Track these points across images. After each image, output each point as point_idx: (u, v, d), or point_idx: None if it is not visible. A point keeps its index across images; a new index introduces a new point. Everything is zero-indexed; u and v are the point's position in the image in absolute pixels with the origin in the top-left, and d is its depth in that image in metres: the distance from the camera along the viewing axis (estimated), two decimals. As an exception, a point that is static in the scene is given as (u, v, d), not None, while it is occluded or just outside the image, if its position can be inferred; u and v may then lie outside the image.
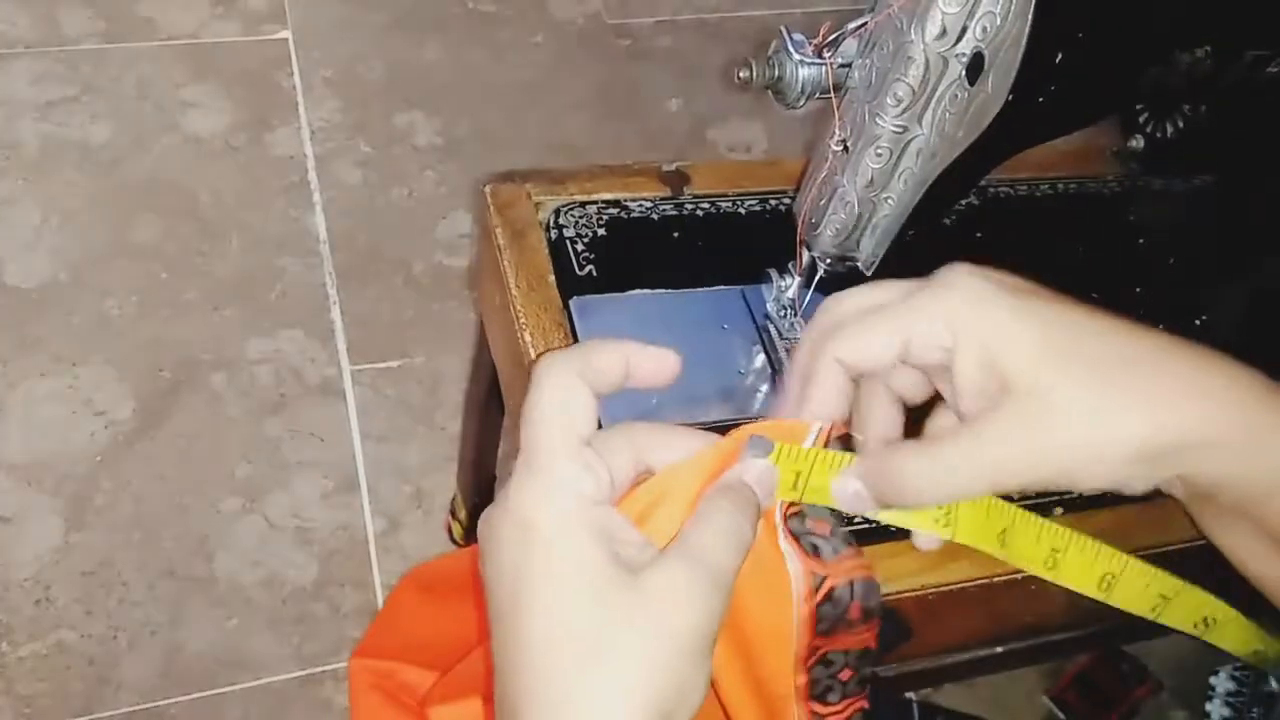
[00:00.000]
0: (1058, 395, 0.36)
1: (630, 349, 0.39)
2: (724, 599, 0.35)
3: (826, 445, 0.40)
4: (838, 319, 0.40)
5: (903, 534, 0.58)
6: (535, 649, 0.34)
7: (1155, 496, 0.63)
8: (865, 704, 0.43)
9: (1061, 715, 1.18)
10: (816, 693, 0.41)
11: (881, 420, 0.42)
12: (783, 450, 0.39)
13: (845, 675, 0.42)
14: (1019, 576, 0.59)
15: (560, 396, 0.37)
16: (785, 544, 0.39)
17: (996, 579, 0.58)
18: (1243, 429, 0.37)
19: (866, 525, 0.57)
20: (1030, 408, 0.36)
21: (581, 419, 0.37)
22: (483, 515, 0.37)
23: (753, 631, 0.39)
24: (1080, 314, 0.38)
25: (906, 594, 0.56)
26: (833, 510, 0.40)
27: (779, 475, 0.39)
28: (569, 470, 0.36)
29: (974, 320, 0.37)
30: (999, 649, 0.67)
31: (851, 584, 0.39)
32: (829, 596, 0.39)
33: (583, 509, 0.35)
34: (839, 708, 0.42)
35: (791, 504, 0.40)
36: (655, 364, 0.39)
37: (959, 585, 0.58)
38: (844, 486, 0.39)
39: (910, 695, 1.02)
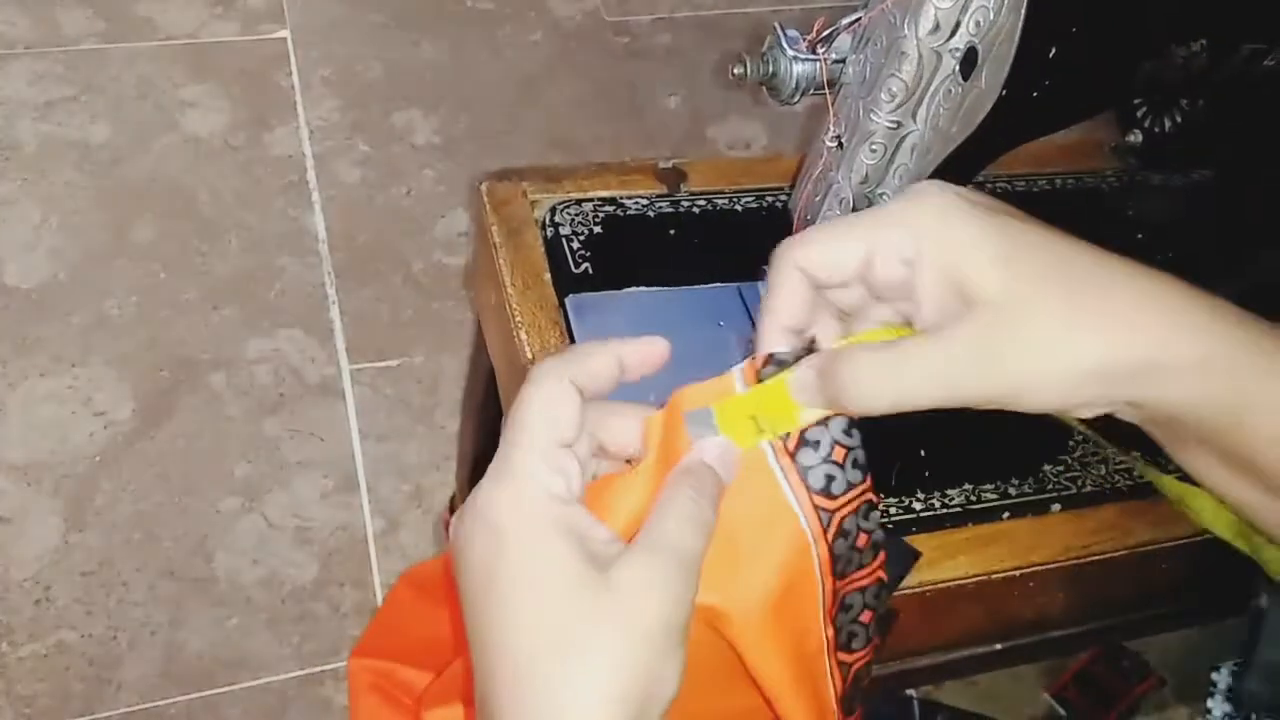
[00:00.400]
0: (1018, 308, 0.35)
1: (619, 347, 0.39)
2: (691, 584, 0.35)
3: (759, 377, 0.39)
4: (804, 234, 0.40)
5: (901, 532, 0.58)
6: (508, 647, 0.34)
7: (1154, 492, 0.62)
8: (878, 640, 0.43)
9: (1062, 712, 1.18)
10: (841, 642, 0.41)
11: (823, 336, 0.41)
12: (725, 409, 0.39)
13: (865, 617, 0.41)
14: (1017, 574, 0.59)
15: (549, 402, 0.37)
16: (789, 493, 0.38)
17: (995, 576, 0.58)
18: (1199, 355, 0.36)
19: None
20: (990, 319, 0.36)
21: (566, 423, 0.37)
22: (455, 515, 0.37)
23: (782, 594, 0.39)
24: (1046, 232, 0.37)
25: (906, 592, 0.56)
26: (847, 431, 0.39)
27: (735, 432, 0.38)
28: (541, 471, 0.36)
29: (939, 231, 0.37)
30: (999, 646, 0.66)
31: (856, 512, 0.39)
32: (840, 530, 0.39)
33: (552, 508, 0.35)
34: (863, 653, 0.42)
35: (801, 435, 0.39)
36: (644, 354, 0.40)
37: (957, 582, 0.58)
38: (802, 377, 0.38)
39: (911, 692, 1.02)
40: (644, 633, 0.33)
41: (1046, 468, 0.62)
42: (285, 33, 1.72)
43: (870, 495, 0.39)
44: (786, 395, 0.39)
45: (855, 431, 0.39)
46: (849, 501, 0.39)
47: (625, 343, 0.40)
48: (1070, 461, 0.62)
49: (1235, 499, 0.40)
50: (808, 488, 0.38)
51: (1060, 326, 0.35)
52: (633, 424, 0.40)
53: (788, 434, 0.39)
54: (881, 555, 0.41)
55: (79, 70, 1.61)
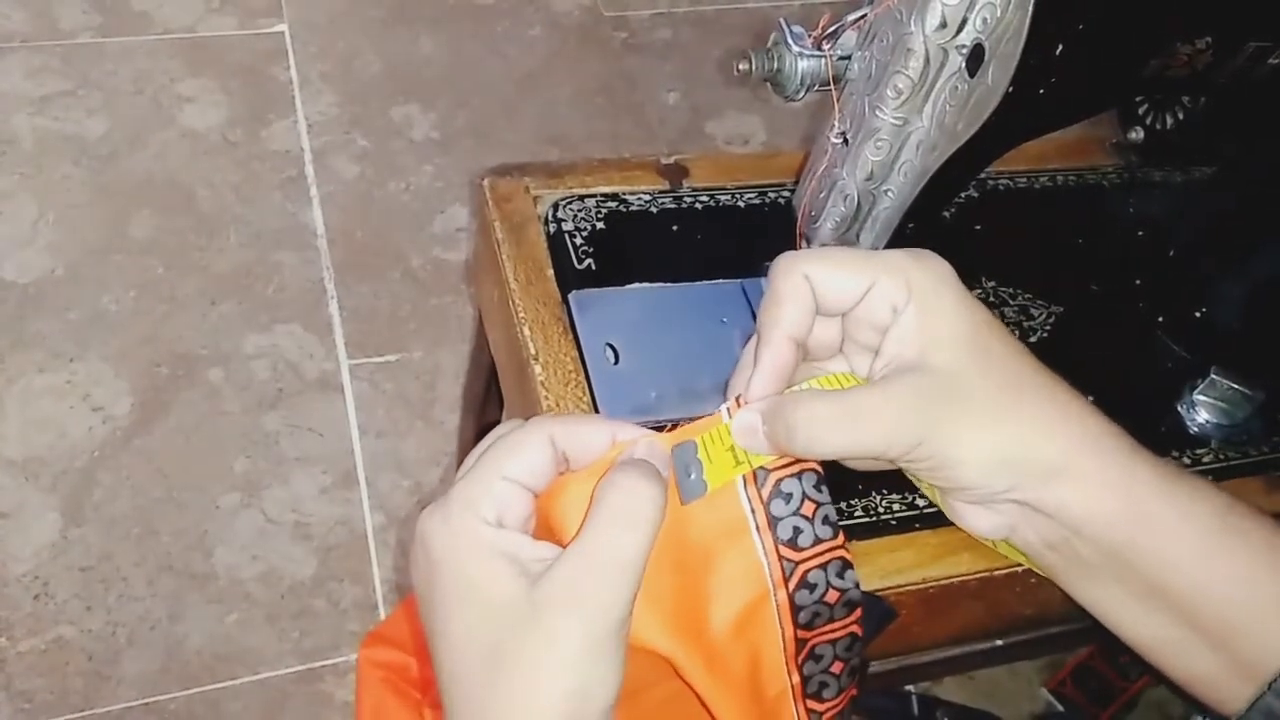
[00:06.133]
0: (962, 385, 0.39)
1: (616, 426, 0.40)
2: (624, 584, 0.35)
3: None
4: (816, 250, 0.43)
5: (904, 529, 0.58)
6: (445, 665, 0.36)
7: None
8: (855, 690, 0.43)
9: (1060, 708, 1.19)
10: (811, 690, 0.41)
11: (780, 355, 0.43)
12: (707, 440, 0.40)
13: (837, 668, 0.42)
14: (1019, 570, 0.59)
15: (516, 445, 0.38)
16: (757, 538, 0.39)
17: (998, 572, 0.58)
18: (1102, 470, 0.39)
19: (869, 519, 0.57)
20: (936, 383, 0.39)
21: (520, 467, 0.38)
22: None
23: (738, 636, 0.39)
24: (1009, 337, 0.42)
25: (908, 588, 0.56)
26: (817, 486, 0.40)
27: (719, 464, 0.40)
28: (475, 498, 0.37)
29: (933, 292, 0.40)
30: (999, 642, 0.66)
31: (824, 567, 0.40)
32: (804, 582, 0.39)
33: (480, 532, 0.36)
34: (836, 702, 0.42)
35: (776, 484, 0.40)
36: (645, 446, 0.40)
37: (960, 579, 0.57)
38: (743, 419, 0.40)
39: (910, 688, 1.03)
40: (567, 644, 0.34)
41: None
42: (283, 27, 1.71)
43: (843, 553, 0.40)
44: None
45: (825, 488, 0.41)
46: (816, 555, 0.40)
47: (623, 425, 0.40)
48: (1072, 458, 0.62)
49: (1147, 638, 0.42)
50: (775, 537, 0.39)
51: (990, 414, 0.39)
52: (600, 437, 0.40)
53: (764, 480, 0.40)
54: (858, 612, 0.42)
55: (75, 64, 1.60)
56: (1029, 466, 0.39)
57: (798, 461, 0.40)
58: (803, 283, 0.41)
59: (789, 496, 0.40)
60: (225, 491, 1.24)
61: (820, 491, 0.40)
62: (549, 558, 0.36)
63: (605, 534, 0.36)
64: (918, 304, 0.40)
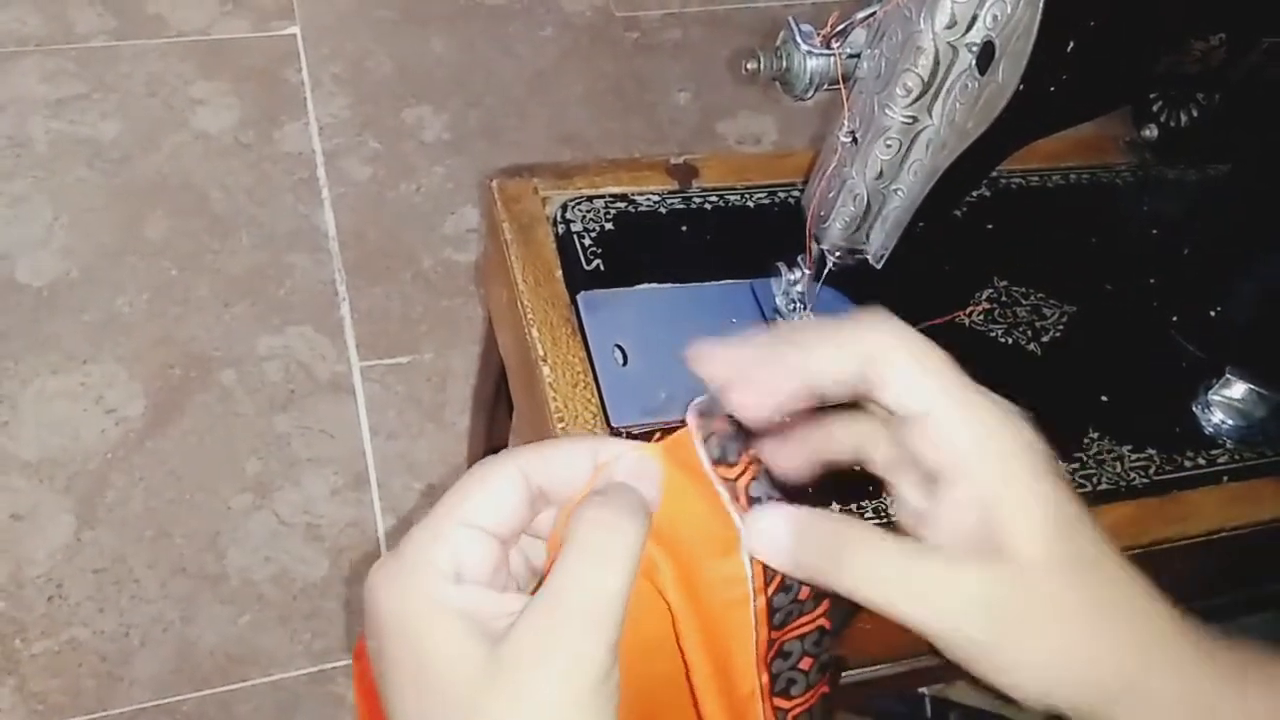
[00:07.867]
0: (1040, 590, 0.33)
1: (597, 443, 0.36)
2: (603, 629, 0.31)
3: (705, 435, 0.38)
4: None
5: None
6: None
7: (1170, 490, 0.62)
8: (826, 689, 0.42)
9: (1075, 710, 1.18)
10: (779, 688, 0.41)
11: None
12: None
13: (805, 664, 0.41)
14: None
15: (476, 481, 0.34)
16: (745, 547, 0.39)
17: (1009, 574, 0.58)
18: (1182, 685, 0.34)
19: (880, 521, 0.57)
20: (1013, 585, 0.33)
21: (480, 509, 0.33)
22: None
23: (714, 632, 0.39)
24: (1086, 514, 0.35)
25: (918, 590, 0.56)
26: (774, 487, 0.39)
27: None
28: (429, 548, 0.32)
29: (1000, 473, 0.33)
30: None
31: None
32: (782, 586, 0.39)
33: (434, 588, 0.32)
34: (803, 699, 0.42)
35: (746, 492, 0.39)
36: (630, 465, 0.35)
37: (971, 581, 0.57)
38: (767, 527, 0.35)
39: (923, 690, 1.02)
40: (536, 706, 0.29)
41: (1061, 465, 0.61)
42: (295, 29, 1.72)
43: None
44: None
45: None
46: None
47: (606, 442, 0.36)
48: (1086, 459, 0.62)
49: None
50: None
51: (1068, 628, 0.33)
52: (579, 462, 0.35)
53: (737, 492, 0.38)
54: (825, 604, 0.40)
55: (90, 68, 1.61)
56: (1096, 687, 0.34)
57: (752, 464, 0.39)
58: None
59: (758, 501, 0.39)
60: (237, 493, 1.25)
61: (776, 489, 0.40)
62: (516, 611, 0.31)
63: (575, 575, 0.31)
64: (982, 483, 0.33)
